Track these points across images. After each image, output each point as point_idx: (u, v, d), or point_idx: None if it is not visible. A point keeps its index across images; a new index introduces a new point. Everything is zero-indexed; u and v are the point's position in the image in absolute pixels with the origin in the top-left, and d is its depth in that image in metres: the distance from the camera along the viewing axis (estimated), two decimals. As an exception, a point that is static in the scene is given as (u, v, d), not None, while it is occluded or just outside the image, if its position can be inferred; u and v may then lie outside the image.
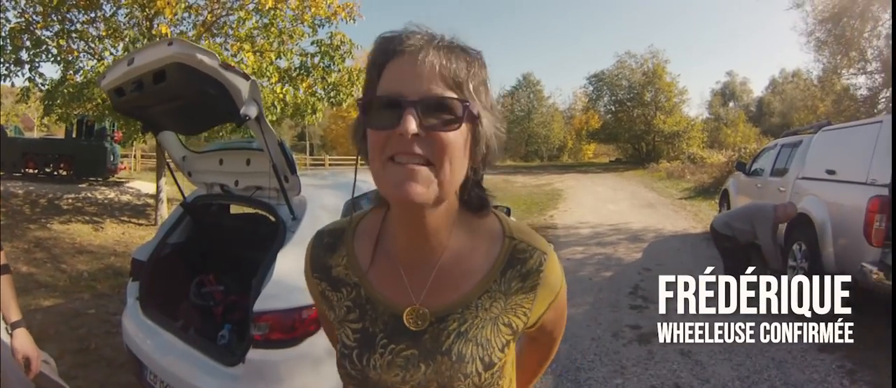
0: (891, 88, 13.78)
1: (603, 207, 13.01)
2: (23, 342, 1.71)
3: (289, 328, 2.07)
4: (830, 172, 5.15)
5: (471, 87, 0.73)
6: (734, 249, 5.03)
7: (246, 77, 2.09)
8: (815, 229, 4.88)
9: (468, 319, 0.81)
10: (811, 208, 5.08)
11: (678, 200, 14.69)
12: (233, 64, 6.87)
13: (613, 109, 37.54)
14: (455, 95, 0.71)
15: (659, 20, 79.77)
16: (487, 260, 0.83)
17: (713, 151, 26.96)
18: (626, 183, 20.60)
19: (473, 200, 0.83)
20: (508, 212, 4.90)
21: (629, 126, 35.60)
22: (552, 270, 0.85)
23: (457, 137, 0.71)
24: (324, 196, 2.60)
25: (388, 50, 0.72)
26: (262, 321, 2.08)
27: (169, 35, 7.21)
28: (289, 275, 2.15)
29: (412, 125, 0.67)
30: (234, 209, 3.61)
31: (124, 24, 7.76)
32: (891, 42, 13.24)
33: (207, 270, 3.11)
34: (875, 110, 14.31)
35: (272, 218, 2.63)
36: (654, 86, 34.89)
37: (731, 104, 47.68)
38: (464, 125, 0.71)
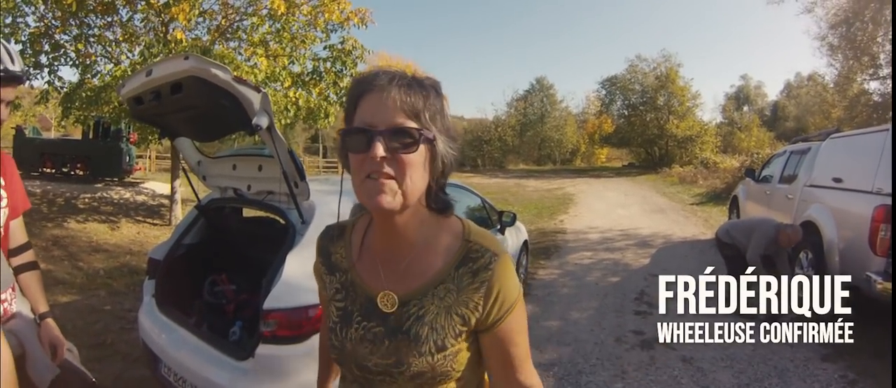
0: (891, 94, 13.63)
1: (613, 212, 13.01)
2: (50, 330, 1.84)
3: (296, 326, 2.18)
4: (837, 179, 5.14)
5: (427, 115, 0.90)
6: (735, 256, 5.04)
7: (257, 90, 2.20)
8: (821, 237, 4.89)
9: (425, 305, 0.97)
10: (818, 217, 5.08)
11: (689, 205, 14.64)
12: (246, 70, 7.00)
13: (626, 113, 37.37)
14: (413, 124, 0.89)
15: (673, 23, 79.27)
16: (446, 257, 0.98)
17: (726, 156, 26.69)
18: (638, 188, 20.53)
19: (439, 204, 0.99)
20: (514, 218, 4.98)
21: (642, 130, 35.44)
22: (503, 270, 0.97)
23: (415, 157, 0.89)
24: (332, 202, 2.69)
25: (361, 89, 0.91)
26: (271, 318, 2.20)
27: (184, 40, 7.36)
28: (297, 276, 2.25)
29: (380, 150, 0.86)
30: (247, 213, 3.71)
31: (140, 29, 7.96)
32: (891, 46, 13.11)
33: (220, 269, 3.22)
34: (888, 116, 14.14)
35: (282, 221, 2.72)
36: (667, 90, 34.70)
37: (745, 108, 47.17)
38: (421, 147, 0.89)
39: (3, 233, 1.80)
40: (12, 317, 1.77)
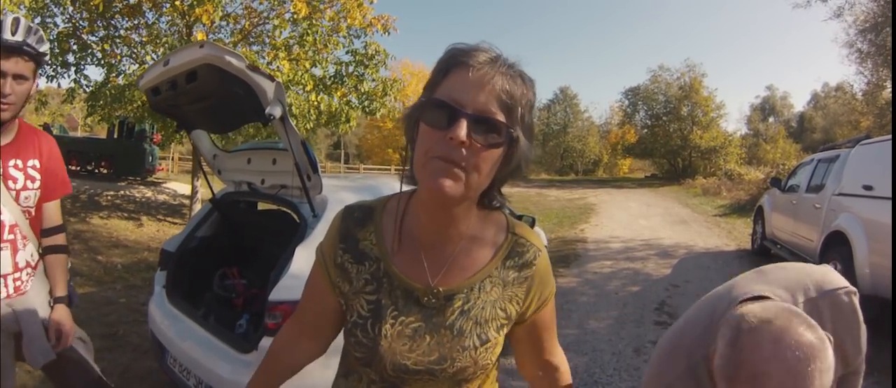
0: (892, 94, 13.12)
1: (635, 222, 12.82)
2: (61, 315, 1.84)
3: None
4: (867, 187, 4.96)
5: (519, 112, 0.81)
6: None
7: (271, 78, 2.18)
8: (850, 248, 4.72)
9: (471, 299, 0.92)
10: (847, 227, 4.91)
11: (712, 216, 14.38)
12: (264, 69, 7.06)
13: (649, 123, 36.92)
14: (504, 120, 0.79)
15: (698, 33, 78.50)
16: (493, 250, 0.94)
17: (751, 168, 26.28)
18: (661, 199, 20.23)
19: (491, 201, 0.94)
20: (533, 222, 4.88)
21: (665, 141, 34.98)
22: (544, 266, 0.97)
23: (494, 154, 0.80)
24: (344, 196, 2.65)
25: (457, 59, 0.80)
26: (276, 310, 2.16)
27: (207, 41, 7.43)
28: (306, 269, 2.19)
29: (463, 133, 0.75)
30: (260, 206, 3.70)
31: (165, 31, 8.07)
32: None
33: (232, 263, 3.21)
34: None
35: (295, 216, 2.69)
36: (691, 100, 34.24)
37: (770, 119, 46.53)
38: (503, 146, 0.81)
39: (33, 213, 1.82)
40: (21, 294, 1.77)
